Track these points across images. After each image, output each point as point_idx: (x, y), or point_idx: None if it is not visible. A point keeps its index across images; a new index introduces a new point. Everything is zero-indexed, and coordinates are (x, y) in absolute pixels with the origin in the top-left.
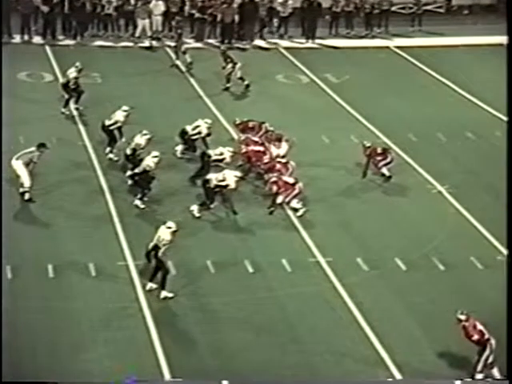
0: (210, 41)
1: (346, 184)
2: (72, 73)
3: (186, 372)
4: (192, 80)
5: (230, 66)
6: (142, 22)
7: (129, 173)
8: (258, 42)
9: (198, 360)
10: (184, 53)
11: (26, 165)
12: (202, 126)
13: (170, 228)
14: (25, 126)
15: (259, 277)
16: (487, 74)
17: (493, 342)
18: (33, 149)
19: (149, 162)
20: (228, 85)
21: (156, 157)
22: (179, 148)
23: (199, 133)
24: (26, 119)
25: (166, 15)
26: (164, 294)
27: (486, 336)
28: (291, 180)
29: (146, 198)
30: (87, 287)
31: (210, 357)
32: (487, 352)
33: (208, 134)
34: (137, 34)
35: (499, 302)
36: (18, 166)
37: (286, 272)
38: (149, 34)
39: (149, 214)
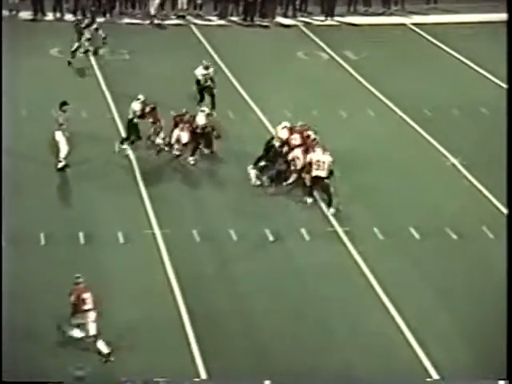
0: (233, 18)
1: (362, 156)
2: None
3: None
4: (216, 57)
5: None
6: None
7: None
8: (280, 20)
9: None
10: None
11: (63, 132)
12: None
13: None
14: (58, 101)
15: (279, 245)
16: (502, 51)
17: None
18: (59, 112)
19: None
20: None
21: (203, 111)
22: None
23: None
24: (59, 95)
25: None
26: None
27: None
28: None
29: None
30: (116, 256)
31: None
32: None
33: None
34: (152, 12)
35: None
36: (59, 136)
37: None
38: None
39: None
